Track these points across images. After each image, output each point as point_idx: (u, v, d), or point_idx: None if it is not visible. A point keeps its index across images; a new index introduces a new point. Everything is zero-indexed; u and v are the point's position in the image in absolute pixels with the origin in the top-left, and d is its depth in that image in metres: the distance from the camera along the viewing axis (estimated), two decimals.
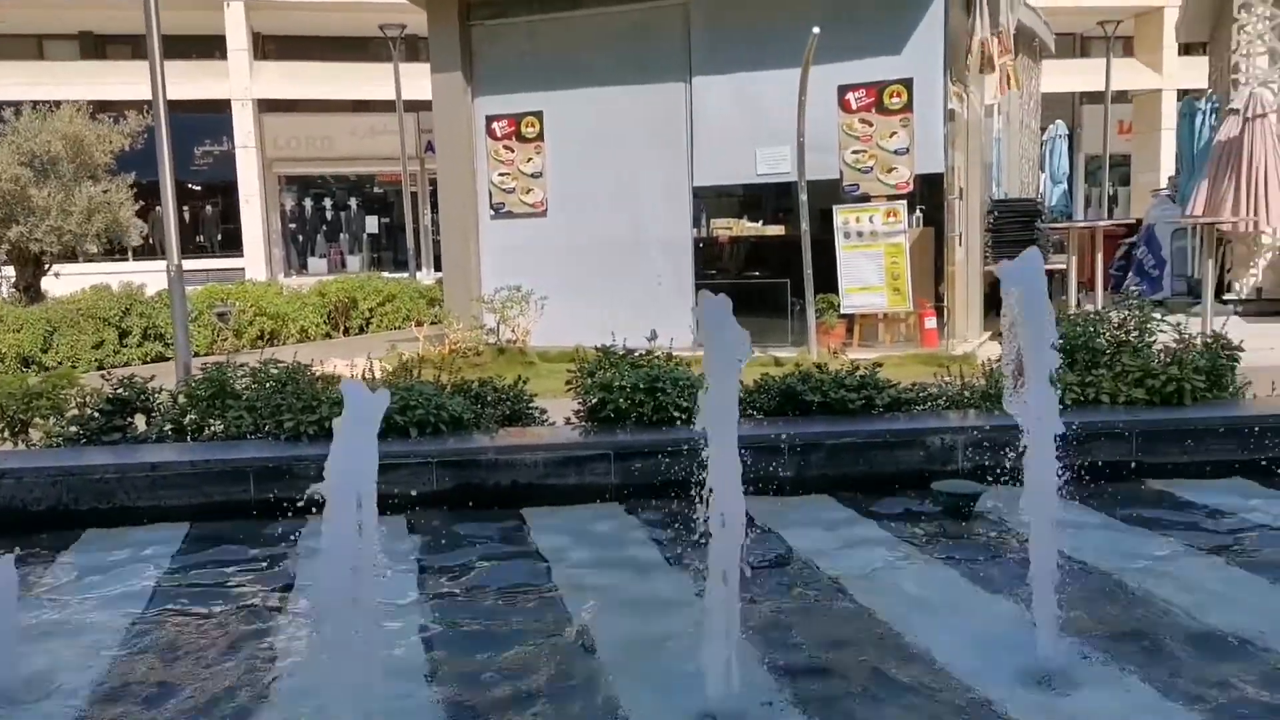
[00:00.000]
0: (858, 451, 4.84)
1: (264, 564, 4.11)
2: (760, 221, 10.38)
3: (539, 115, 10.52)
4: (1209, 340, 5.24)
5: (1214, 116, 12.47)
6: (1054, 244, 11.53)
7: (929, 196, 9.82)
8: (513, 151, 10.66)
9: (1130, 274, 13.46)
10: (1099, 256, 10.85)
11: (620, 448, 4.96)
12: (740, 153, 9.87)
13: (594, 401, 5.34)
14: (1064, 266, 10.80)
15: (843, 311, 9.78)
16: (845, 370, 5.34)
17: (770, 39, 9.62)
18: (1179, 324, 5.36)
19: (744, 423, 5.19)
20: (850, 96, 9.59)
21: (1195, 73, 17.51)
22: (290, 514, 4.07)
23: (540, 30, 10.51)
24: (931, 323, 9.66)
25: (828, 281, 9.66)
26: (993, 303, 11.98)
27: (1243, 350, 5.30)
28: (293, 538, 4.27)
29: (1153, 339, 5.24)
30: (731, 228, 10.41)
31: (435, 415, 5.17)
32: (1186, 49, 19.79)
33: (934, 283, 9.91)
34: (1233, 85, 11.89)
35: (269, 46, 23.63)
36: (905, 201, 9.55)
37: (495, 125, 10.69)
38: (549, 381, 6.58)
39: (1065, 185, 14.69)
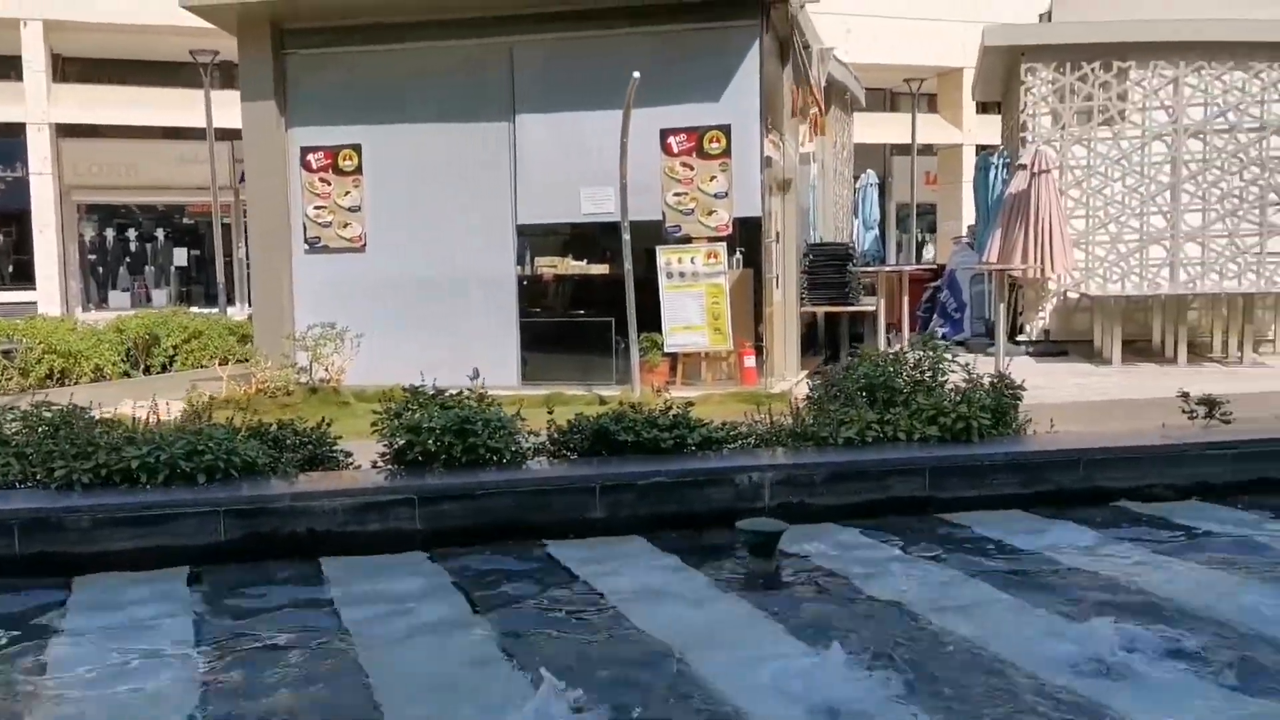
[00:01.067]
0: (669, 491, 4.86)
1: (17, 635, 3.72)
2: (585, 260, 10.42)
3: (357, 148, 10.26)
4: (994, 380, 5.55)
5: (1005, 171, 13.40)
6: (865, 287, 12.06)
7: (748, 239, 10.10)
8: (329, 184, 10.34)
9: (935, 316, 14.27)
10: (905, 299, 11.41)
11: (426, 492, 4.81)
12: (565, 192, 9.90)
13: (400, 444, 5.18)
14: (873, 308, 11.30)
15: (666, 350, 9.90)
16: (658, 409, 5.37)
17: (594, 81, 9.72)
18: (968, 364, 5.67)
19: (557, 463, 5.19)
20: (672, 140, 9.79)
21: (991, 129, 18.85)
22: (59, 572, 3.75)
23: (360, 62, 10.28)
24: (751, 361, 9.90)
25: (652, 320, 9.77)
26: (809, 342, 12.43)
27: (1024, 389, 5.64)
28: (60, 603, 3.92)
29: (945, 379, 5.51)
30: (556, 266, 10.41)
31: (225, 460, 4.89)
32: (984, 107, 21.28)
33: (754, 323, 10.18)
34: (1021, 143, 12.83)
35: (70, 69, 22.24)
36: (725, 243, 9.79)
37: (311, 157, 10.35)
38: (362, 422, 6.35)
39: (877, 231, 15.46)
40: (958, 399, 5.34)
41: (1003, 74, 14.07)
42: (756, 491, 4.81)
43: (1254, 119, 12.47)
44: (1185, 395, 5.90)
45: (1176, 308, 11.82)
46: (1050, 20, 13.55)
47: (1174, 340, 11.64)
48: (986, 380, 5.59)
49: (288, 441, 5.42)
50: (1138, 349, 12.13)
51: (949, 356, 5.65)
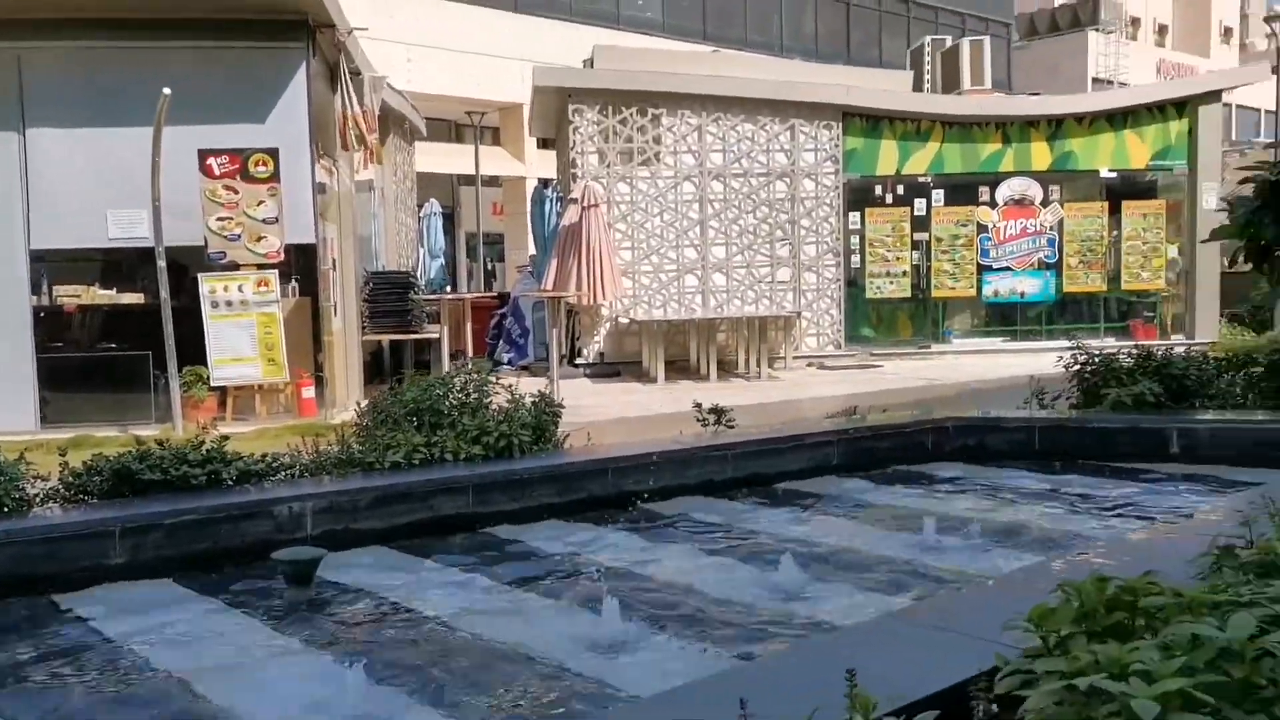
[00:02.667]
0: (201, 528, 4.62)
1: None
2: (115, 289, 9.53)
3: None
4: (536, 400, 5.92)
5: (559, 204, 14.30)
6: (429, 315, 12.24)
7: (304, 266, 9.85)
8: None
9: (501, 342, 14.81)
10: (469, 325, 11.74)
11: None
12: (89, 214, 9.00)
13: None
14: (437, 335, 11.50)
15: (214, 384, 9.34)
16: (189, 445, 5.09)
17: (122, 95, 8.96)
18: (511, 385, 6.00)
19: (71, 509, 4.73)
20: (213, 162, 9.29)
21: (551, 163, 19.96)
22: None
23: None
24: (309, 392, 9.64)
25: (198, 353, 9.18)
26: (376, 370, 12.35)
27: (564, 407, 6.08)
28: None
29: (489, 400, 5.79)
30: (81, 295, 9.41)
31: None
32: (544, 142, 22.50)
33: (313, 352, 9.92)
34: (572, 178, 13.77)
35: None
36: (277, 271, 9.46)
37: None
38: None
39: (443, 259, 15.73)
40: (500, 419, 5.63)
41: (554, 113, 15.01)
42: (298, 521, 4.73)
43: (762, 165, 14.41)
44: (699, 406, 6.69)
45: (708, 330, 13.30)
46: (593, 67, 14.70)
47: (706, 359, 13.08)
48: (529, 400, 5.94)
49: None
50: (679, 367, 13.48)
51: (493, 379, 5.94)
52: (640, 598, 4.00)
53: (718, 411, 6.60)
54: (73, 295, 9.37)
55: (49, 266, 9.33)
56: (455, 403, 5.72)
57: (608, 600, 3.61)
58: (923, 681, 2.21)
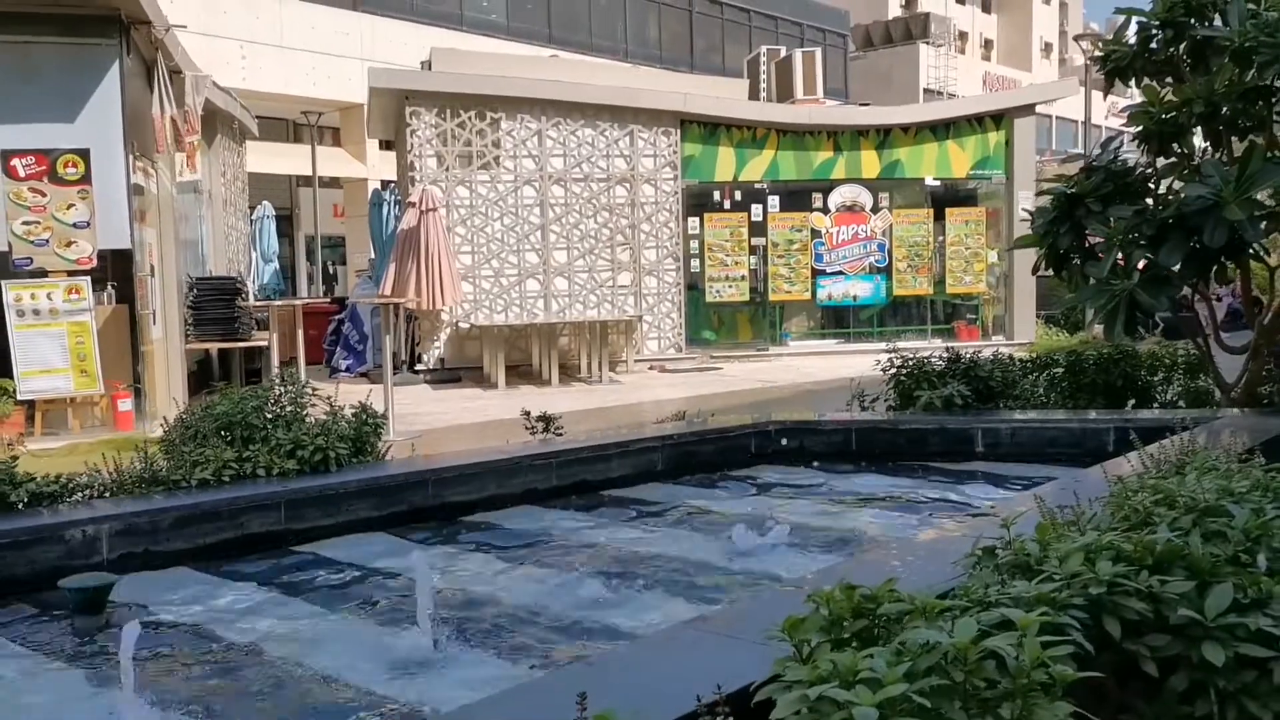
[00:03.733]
0: None
1: None
2: None
3: None
4: (356, 411, 5.82)
5: (398, 207, 14.06)
6: (258, 321, 11.83)
7: (119, 272, 9.39)
8: None
9: (339, 348, 14.45)
10: (300, 333, 11.40)
11: None
12: None
13: None
14: (266, 343, 11.14)
15: (20, 397, 8.81)
16: None
17: None
18: (329, 396, 5.87)
19: None
20: (17, 163, 8.76)
21: (393, 166, 19.57)
22: None
23: None
24: (126, 405, 9.19)
25: (3, 365, 8.63)
26: (204, 379, 11.85)
27: (385, 419, 5.99)
28: None
29: (306, 412, 5.65)
30: None
31: None
32: (386, 144, 22.04)
33: (130, 363, 9.46)
34: (411, 181, 13.57)
35: None
36: (89, 278, 8.99)
37: None
38: None
39: (276, 264, 15.23)
40: (318, 432, 5.50)
41: (392, 115, 14.76)
42: (93, 545, 4.51)
43: (602, 170, 14.54)
44: (527, 414, 6.70)
45: (550, 335, 13.33)
46: (431, 69, 14.52)
47: (549, 364, 13.10)
48: (349, 411, 5.83)
49: None
50: (521, 372, 13.46)
51: (310, 391, 5.80)
52: (448, 612, 3.99)
53: (545, 419, 6.63)
54: None
55: None
56: (270, 416, 5.56)
57: (416, 616, 3.60)
58: (697, 689, 2.30)
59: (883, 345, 8.97)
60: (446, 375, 13.61)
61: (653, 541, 5.07)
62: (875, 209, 16.07)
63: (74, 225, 8.96)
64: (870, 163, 15.99)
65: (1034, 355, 8.74)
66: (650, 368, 14.46)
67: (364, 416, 5.80)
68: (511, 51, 22.63)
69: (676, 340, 15.06)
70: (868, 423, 7.16)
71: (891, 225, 16.09)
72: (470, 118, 13.75)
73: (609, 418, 9.89)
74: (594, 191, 14.52)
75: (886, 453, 6.90)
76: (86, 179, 8.95)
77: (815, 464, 6.78)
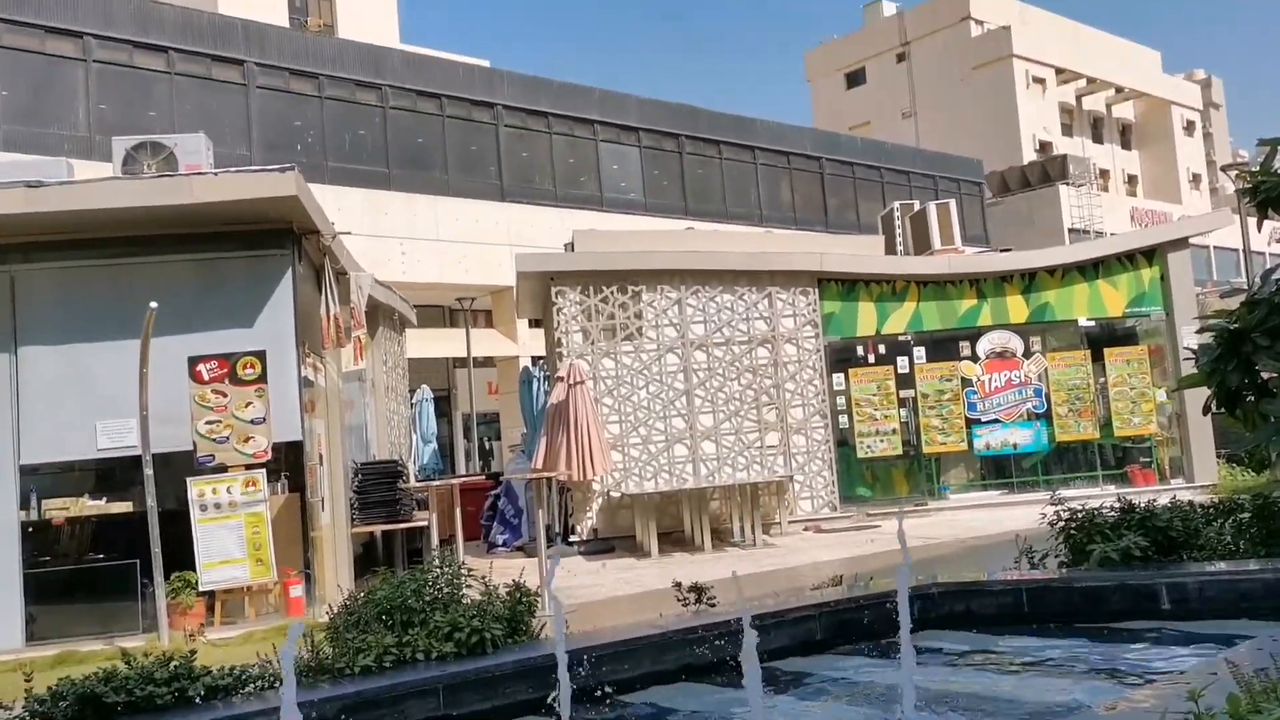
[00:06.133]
0: None
1: None
2: (105, 498, 9.60)
3: None
4: (510, 590, 5.89)
5: (546, 382, 14.53)
6: (418, 502, 12.25)
7: (291, 462, 9.94)
8: None
9: (495, 523, 14.75)
10: (458, 510, 11.73)
11: None
12: (78, 427, 9.17)
13: None
14: (426, 523, 11.48)
15: (202, 588, 9.28)
16: (157, 663, 5.04)
17: (111, 310, 9.26)
18: (483, 577, 5.98)
19: None
20: (202, 368, 9.53)
21: (542, 342, 20.38)
22: None
23: None
24: (297, 590, 9.55)
25: (187, 558, 9.16)
26: (370, 561, 12.25)
27: (537, 596, 6.03)
28: None
29: (462, 593, 5.76)
30: (69, 507, 9.46)
31: None
32: (535, 322, 23.04)
33: (301, 549, 9.89)
34: (558, 357, 14.05)
35: None
36: (265, 470, 9.55)
37: None
38: None
39: (435, 444, 15.87)
40: (473, 613, 5.59)
41: (539, 295, 15.46)
42: None
43: (743, 333, 14.73)
44: (678, 585, 6.63)
45: (700, 499, 13.28)
46: (573, 250, 15.24)
47: (700, 529, 13.00)
48: (503, 590, 5.91)
49: None
50: (674, 539, 13.38)
51: (465, 570, 5.92)
52: None
53: (697, 590, 6.54)
54: (61, 508, 9.42)
55: (39, 480, 9.43)
56: (428, 599, 5.69)
57: None
58: None
59: (1049, 494, 8.53)
60: (600, 545, 13.65)
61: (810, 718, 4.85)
62: (1028, 354, 15.63)
63: (251, 421, 9.61)
64: (1017, 307, 15.67)
65: (1217, 499, 8.15)
66: (805, 528, 14.14)
67: (518, 595, 5.87)
68: (649, 227, 23.60)
69: (830, 499, 14.75)
70: (1038, 581, 6.76)
71: (1047, 369, 15.57)
72: (612, 292, 14.27)
73: (765, 583, 9.65)
74: (736, 354, 14.68)
75: (1062, 612, 6.47)
76: (263, 378, 9.64)
77: (986, 628, 6.41)
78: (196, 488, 9.36)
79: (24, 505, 9.18)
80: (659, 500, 13.44)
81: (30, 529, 9.21)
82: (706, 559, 12.06)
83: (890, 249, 18.11)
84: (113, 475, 9.85)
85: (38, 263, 9.32)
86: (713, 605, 6.45)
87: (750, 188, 31.09)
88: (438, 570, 5.83)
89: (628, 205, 27.94)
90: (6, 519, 9.03)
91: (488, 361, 26.46)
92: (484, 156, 25.82)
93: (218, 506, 9.42)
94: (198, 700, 4.92)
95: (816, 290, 15.07)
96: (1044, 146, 46.62)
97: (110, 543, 9.52)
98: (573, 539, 13.92)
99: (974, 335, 15.60)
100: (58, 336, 9.30)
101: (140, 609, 9.08)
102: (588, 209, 26.26)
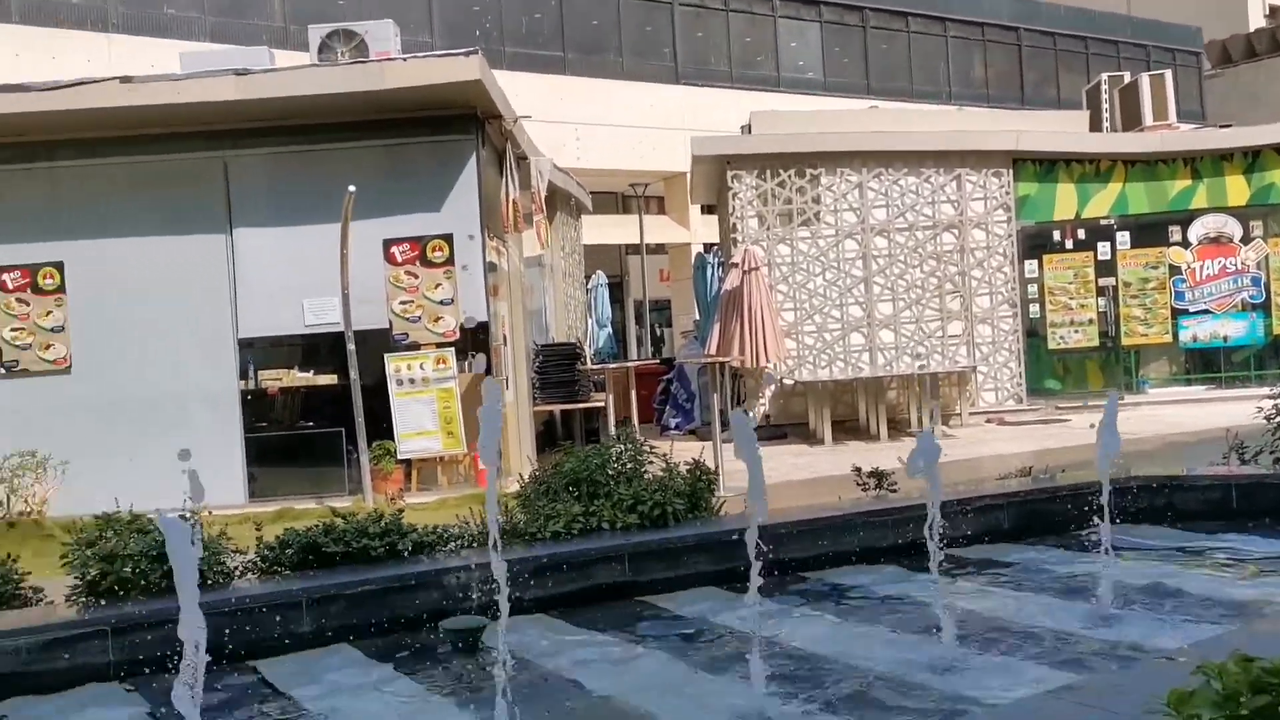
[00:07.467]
0: (379, 597, 4.92)
1: None
2: (312, 371, 10.29)
3: (59, 266, 9.74)
4: (690, 468, 6.00)
5: (720, 269, 14.46)
6: (595, 384, 12.55)
7: (477, 343, 10.34)
8: (28, 305, 9.74)
9: (668, 407, 14.99)
10: (633, 393, 11.97)
11: (122, 622, 4.63)
12: (287, 304, 9.80)
13: (93, 574, 4.96)
14: (603, 404, 11.78)
15: (400, 457, 9.88)
16: (370, 518, 5.43)
17: (314, 194, 9.73)
18: (665, 454, 6.10)
19: (265, 580, 5.12)
20: (395, 250, 9.94)
21: (715, 229, 20.24)
22: None
23: (61, 177, 9.84)
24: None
25: (385, 428, 9.75)
26: (549, 439, 12.73)
27: (718, 475, 6.12)
28: None
29: (645, 469, 5.90)
30: (282, 378, 10.20)
31: None
32: (707, 208, 22.86)
33: None
34: (733, 242, 13.92)
35: None
36: (454, 348, 9.98)
37: (6, 277, 9.73)
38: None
39: (610, 329, 16.15)
40: (655, 488, 5.73)
41: (713, 180, 15.27)
42: (465, 591, 4.95)
43: (927, 218, 14.15)
44: (858, 470, 6.58)
45: (876, 389, 13.05)
46: (750, 133, 14.89)
47: (876, 418, 12.82)
48: (683, 468, 6.02)
49: None
50: (848, 428, 13.25)
51: (647, 448, 6.05)
52: (793, 670, 3.96)
53: (878, 475, 6.48)
54: (275, 378, 10.18)
55: (254, 352, 10.18)
56: (612, 473, 5.86)
57: (755, 670, 3.62)
58: None
59: (1264, 391, 7.91)
60: (772, 432, 13.68)
61: (1003, 605, 4.76)
62: (1246, 239, 14.37)
63: (440, 303, 10.02)
64: (1237, 189, 14.36)
65: None
66: (987, 420, 13.72)
67: (698, 473, 5.97)
68: (830, 107, 22.76)
69: (1016, 391, 14.21)
70: (1251, 477, 6.35)
71: (1268, 256, 14.30)
72: (790, 176, 13.92)
73: (945, 474, 9.45)
74: (919, 240, 14.14)
75: (1274, 511, 6.07)
76: (450, 261, 9.99)
77: (1189, 524, 6.10)
78: (393, 363, 9.88)
79: (243, 375, 9.96)
80: (833, 388, 13.29)
81: (248, 397, 9.99)
82: (882, 448, 11.90)
83: (1095, 126, 16.84)
84: (318, 350, 10.50)
85: (247, 148, 9.87)
86: (893, 490, 6.38)
87: (939, 63, 29.42)
88: (621, 447, 5.98)
89: (806, 85, 27.00)
90: (228, 388, 9.84)
91: (659, 249, 26.53)
92: (659, 38, 25.40)
93: (412, 382, 9.93)
94: (405, 554, 5.28)
95: (1010, 171, 14.24)
96: (1274, 11, 41.82)
97: (317, 411, 10.24)
98: None
99: (1185, 219, 14.44)
100: (266, 219, 9.88)
101: (346, 473, 9.78)
102: (764, 90, 25.54)
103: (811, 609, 4.93)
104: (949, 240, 14.18)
